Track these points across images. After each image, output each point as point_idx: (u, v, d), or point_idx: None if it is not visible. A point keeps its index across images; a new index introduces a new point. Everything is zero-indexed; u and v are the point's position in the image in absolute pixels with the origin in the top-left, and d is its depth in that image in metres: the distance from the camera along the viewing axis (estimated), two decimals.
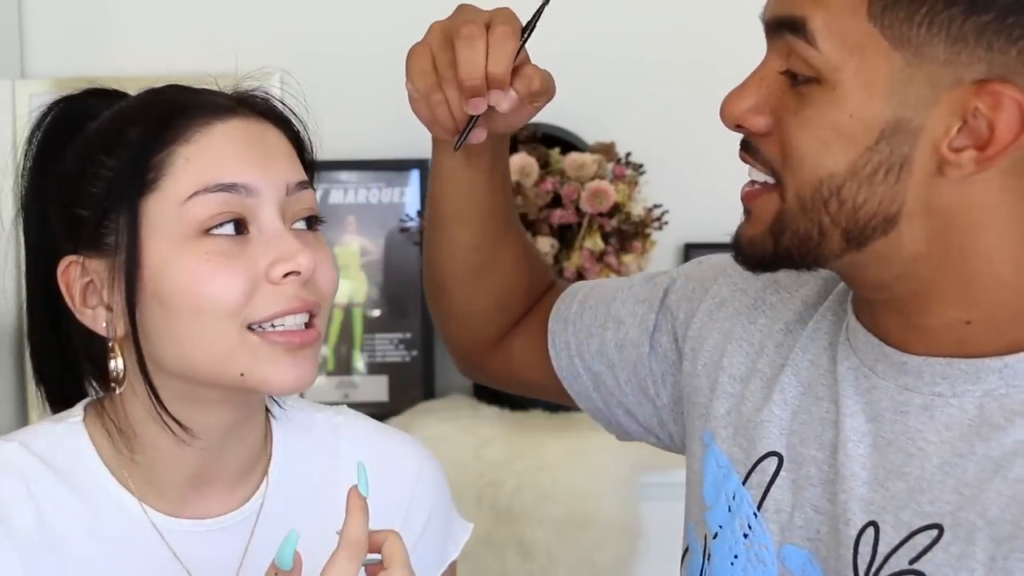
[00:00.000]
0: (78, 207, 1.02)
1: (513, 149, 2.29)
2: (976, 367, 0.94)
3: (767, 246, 0.97)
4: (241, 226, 1.00)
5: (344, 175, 2.35)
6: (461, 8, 1.08)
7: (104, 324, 1.02)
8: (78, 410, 1.08)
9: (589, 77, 2.38)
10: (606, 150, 2.29)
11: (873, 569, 0.95)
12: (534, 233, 2.24)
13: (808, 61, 0.93)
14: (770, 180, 0.97)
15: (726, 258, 1.16)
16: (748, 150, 0.98)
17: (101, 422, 1.06)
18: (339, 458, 1.14)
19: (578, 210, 2.24)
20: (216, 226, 0.99)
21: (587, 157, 2.26)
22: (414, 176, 2.33)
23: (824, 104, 0.92)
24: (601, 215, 2.24)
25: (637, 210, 2.26)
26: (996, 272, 0.94)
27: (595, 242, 2.24)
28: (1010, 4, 0.88)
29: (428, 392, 2.34)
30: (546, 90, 1.09)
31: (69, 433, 1.06)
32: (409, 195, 2.35)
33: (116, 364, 1.02)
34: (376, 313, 2.35)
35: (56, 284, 1.03)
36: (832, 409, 1.01)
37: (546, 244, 2.22)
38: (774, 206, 0.96)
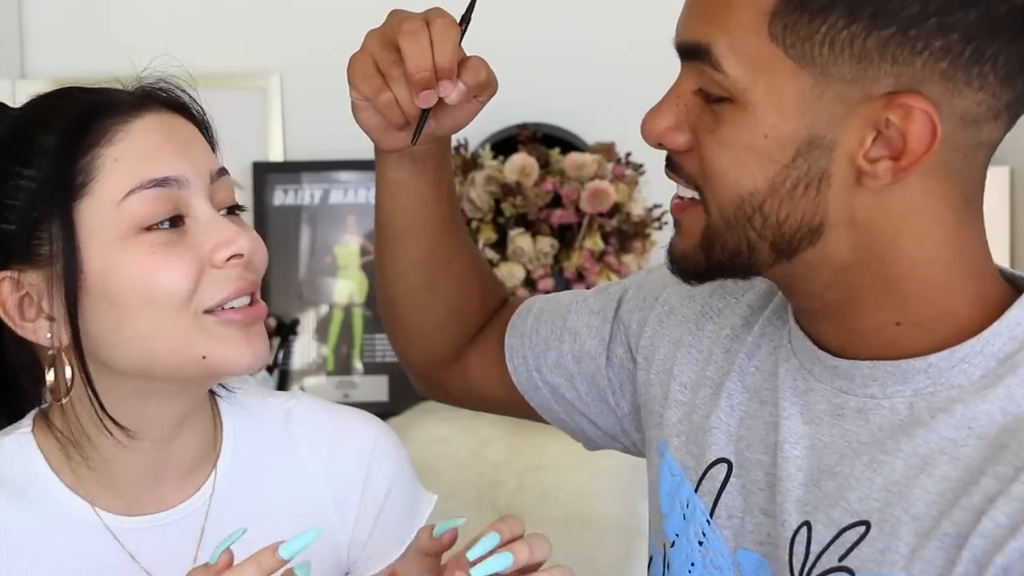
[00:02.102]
0: (1, 223, 1.01)
1: (513, 149, 2.30)
2: (902, 368, 0.94)
3: (700, 259, 0.98)
4: (178, 218, 1.01)
5: (344, 175, 2.34)
6: (394, 12, 1.08)
7: (48, 335, 1.01)
8: (27, 420, 1.08)
9: (590, 77, 2.38)
10: (606, 150, 2.29)
11: (807, 568, 0.96)
12: (534, 233, 2.24)
13: (718, 83, 0.93)
14: (695, 196, 0.97)
15: None
16: (672, 167, 0.99)
17: (49, 431, 1.06)
18: (292, 440, 1.14)
19: (578, 210, 2.24)
20: (156, 222, 1.00)
21: (587, 157, 2.26)
22: None
23: (738, 124, 0.92)
24: (601, 215, 2.24)
25: (637, 210, 2.27)
26: (922, 274, 0.94)
27: (595, 242, 2.24)
28: (911, 16, 0.88)
29: None
30: (490, 82, 1.09)
31: (17, 444, 1.06)
32: None
33: (65, 373, 1.02)
34: (376, 313, 2.35)
35: None
36: (775, 412, 1.02)
37: (546, 244, 2.23)
38: (701, 220, 0.97)
